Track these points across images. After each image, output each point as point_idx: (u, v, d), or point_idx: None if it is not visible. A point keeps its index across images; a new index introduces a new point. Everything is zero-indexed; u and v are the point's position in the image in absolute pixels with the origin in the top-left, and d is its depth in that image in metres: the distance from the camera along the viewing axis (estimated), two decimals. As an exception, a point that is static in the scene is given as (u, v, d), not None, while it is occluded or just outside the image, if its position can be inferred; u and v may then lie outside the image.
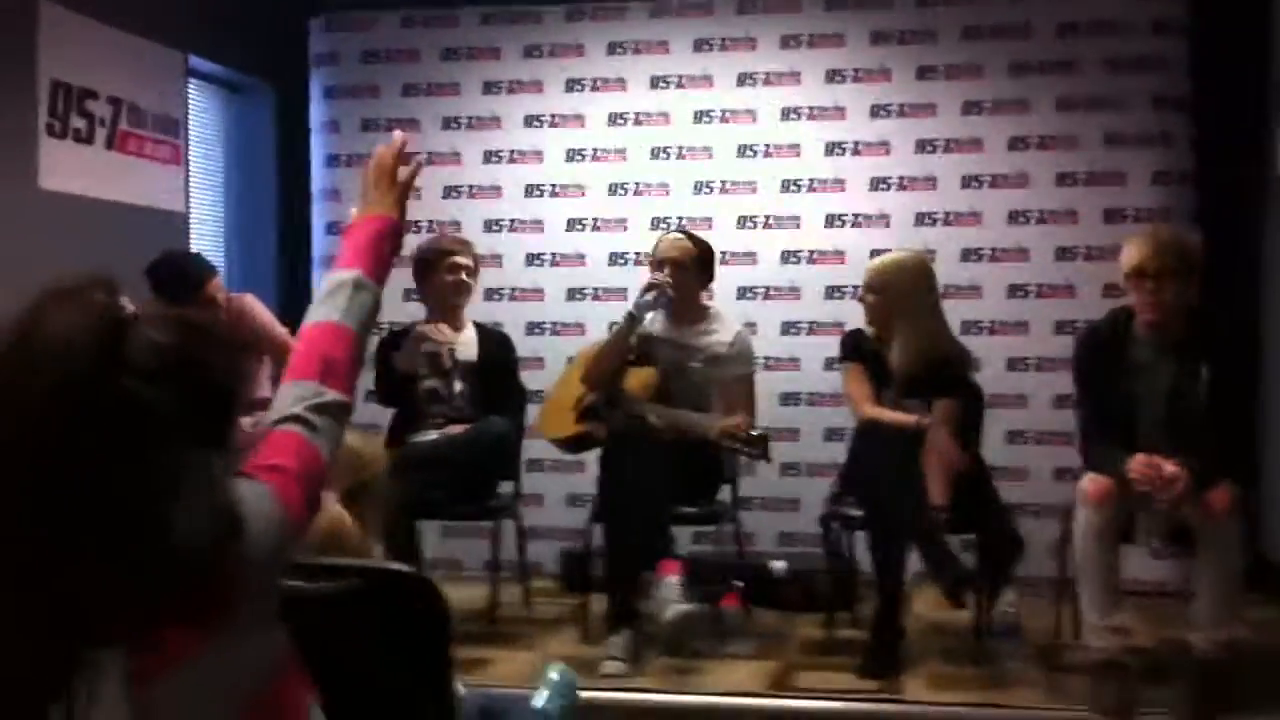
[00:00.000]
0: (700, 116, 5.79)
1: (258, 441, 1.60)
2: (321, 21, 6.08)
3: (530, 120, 5.90)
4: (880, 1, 5.67)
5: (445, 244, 4.87)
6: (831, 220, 5.65)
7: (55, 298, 1.38)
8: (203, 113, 5.91)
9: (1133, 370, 3.91)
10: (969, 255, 5.52)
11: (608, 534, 4.34)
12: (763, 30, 5.75)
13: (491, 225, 5.86)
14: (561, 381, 4.85)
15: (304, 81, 6.09)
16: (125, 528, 1.34)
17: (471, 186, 5.92)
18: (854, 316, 4.63)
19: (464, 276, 4.77)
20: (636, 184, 5.81)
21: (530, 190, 5.89)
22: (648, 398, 4.54)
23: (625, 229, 5.78)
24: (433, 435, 4.61)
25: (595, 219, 5.84)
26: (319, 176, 6.07)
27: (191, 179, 5.65)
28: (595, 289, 5.77)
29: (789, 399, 5.57)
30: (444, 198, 5.85)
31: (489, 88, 5.94)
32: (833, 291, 5.56)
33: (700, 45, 5.81)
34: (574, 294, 5.81)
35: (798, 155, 5.69)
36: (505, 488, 4.85)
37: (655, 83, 5.82)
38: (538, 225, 5.87)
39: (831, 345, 4.80)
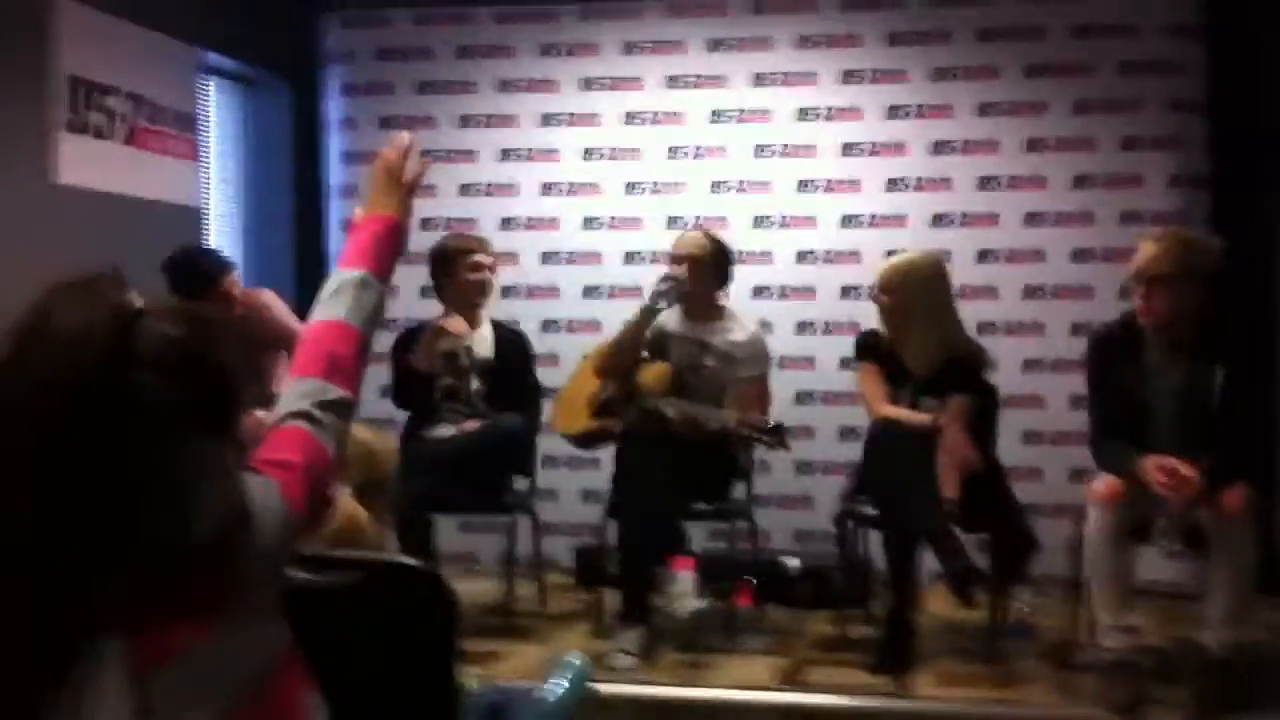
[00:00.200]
0: (716, 116, 5.80)
1: (263, 436, 1.62)
2: (337, 18, 6.10)
3: (546, 119, 5.92)
4: (896, 2, 5.66)
5: (465, 242, 4.88)
6: (847, 220, 5.65)
7: (64, 292, 1.40)
8: (219, 108, 5.93)
9: (1145, 371, 3.91)
10: (985, 256, 5.53)
11: (621, 529, 4.36)
12: (779, 30, 5.75)
13: (507, 223, 5.88)
14: (575, 378, 4.86)
15: (319, 78, 6.11)
16: (134, 518, 1.36)
17: (487, 184, 5.94)
18: (869, 316, 4.63)
19: (485, 275, 4.79)
20: (652, 183, 5.82)
21: (546, 188, 5.90)
22: (663, 393, 4.55)
23: (641, 227, 5.79)
24: (448, 431, 4.62)
25: (611, 217, 5.85)
26: (335, 173, 6.09)
27: (208, 174, 5.67)
28: (611, 287, 5.79)
29: (804, 398, 5.58)
30: (460, 195, 5.87)
31: (504, 86, 5.95)
32: (848, 291, 5.57)
33: (716, 45, 5.81)
34: (589, 292, 5.83)
35: (814, 155, 5.69)
36: (520, 484, 4.87)
37: (671, 82, 5.83)
38: (553, 223, 5.89)
39: (846, 345, 4.79)
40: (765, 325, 5.14)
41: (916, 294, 4.35)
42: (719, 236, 4.82)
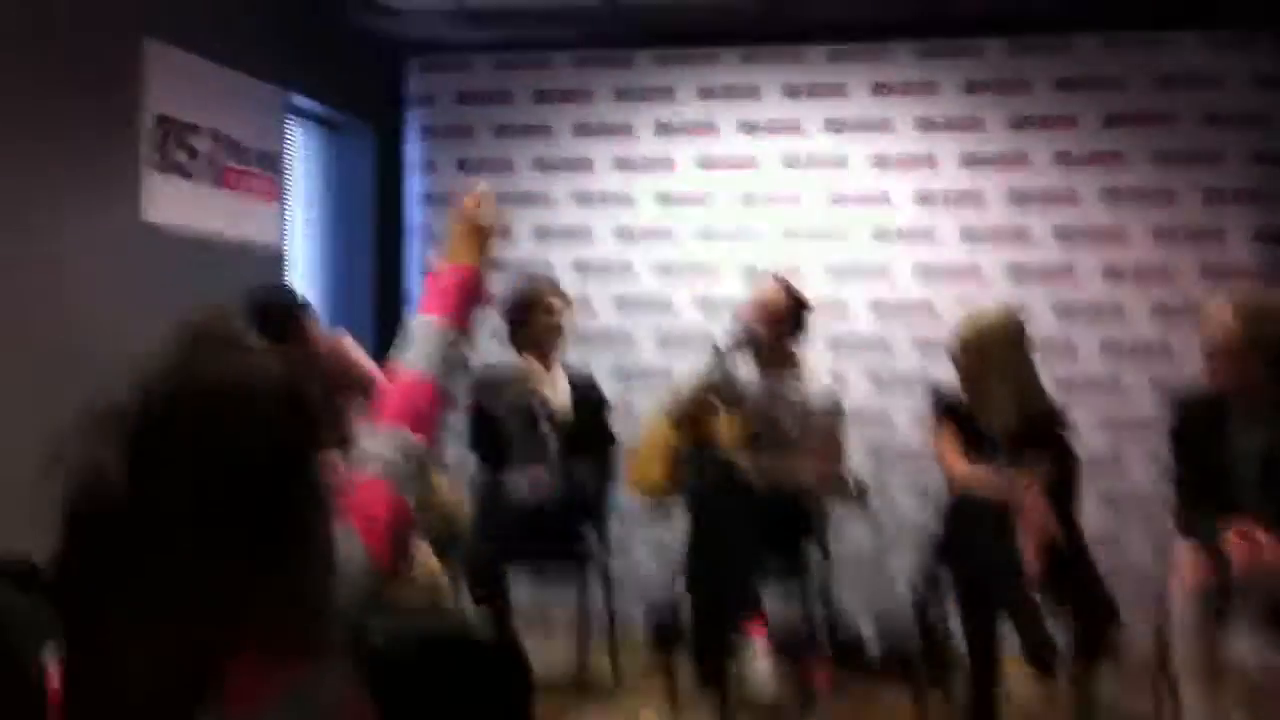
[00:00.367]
0: (791, 162, 5.80)
1: (347, 486, 1.64)
2: (419, 63, 6.18)
3: (621, 163, 5.95)
4: (973, 51, 5.65)
5: (540, 288, 4.91)
6: (922, 271, 5.62)
7: (209, 341, 1.43)
8: (303, 149, 6.02)
9: (1227, 435, 3.84)
10: (1062, 312, 5.47)
11: (694, 595, 4.32)
12: (854, 77, 5.76)
13: (581, 268, 5.91)
14: (649, 432, 4.85)
15: (401, 121, 6.20)
16: (279, 565, 1.38)
17: (562, 229, 5.97)
18: (944, 370, 4.59)
19: (558, 321, 4.80)
20: (727, 230, 5.83)
21: (620, 233, 5.93)
22: (735, 444, 4.53)
23: (715, 275, 5.80)
24: (521, 480, 4.64)
25: (684, 264, 5.86)
26: (414, 215, 6.17)
27: (289, 214, 5.75)
28: (683, 334, 5.80)
29: (877, 453, 5.54)
30: (535, 239, 5.91)
31: (580, 130, 6.01)
32: (922, 344, 5.53)
33: (791, 91, 5.82)
34: (663, 340, 5.83)
35: (888, 204, 5.68)
36: (592, 535, 4.86)
37: (745, 128, 5.85)
38: (627, 269, 5.91)
39: (921, 399, 4.75)
40: (838, 377, 5.12)
41: (994, 351, 4.28)
42: (794, 286, 4.82)
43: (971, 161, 5.63)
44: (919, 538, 4.72)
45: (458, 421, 4.73)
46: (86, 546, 1.38)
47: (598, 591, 4.81)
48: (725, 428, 4.60)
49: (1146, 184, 5.47)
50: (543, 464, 4.68)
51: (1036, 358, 4.46)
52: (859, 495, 4.05)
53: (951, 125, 5.66)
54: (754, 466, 4.44)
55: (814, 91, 5.81)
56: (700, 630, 4.27)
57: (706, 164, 5.87)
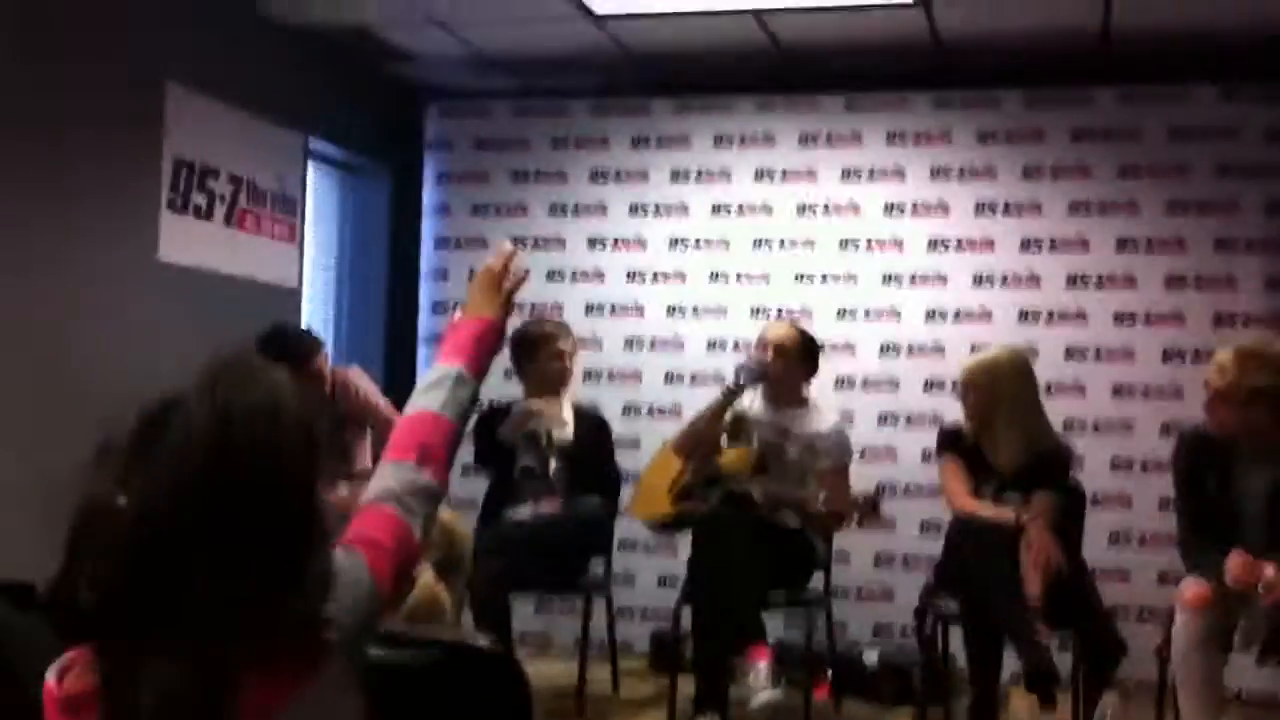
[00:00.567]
0: (803, 210, 5.83)
1: (355, 512, 1.67)
2: (437, 108, 6.27)
3: (635, 208, 6.00)
4: (989, 101, 5.68)
5: (546, 328, 4.93)
6: (932, 314, 5.64)
7: (234, 372, 1.48)
8: (319, 191, 6.10)
9: (1233, 474, 3.85)
10: (1073, 354, 5.47)
11: (697, 615, 4.31)
12: (868, 126, 5.80)
13: (592, 309, 5.95)
14: (655, 464, 4.86)
15: (418, 165, 6.28)
16: (294, 585, 1.43)
17: (574, 271, 6.02)
18: (952, 410, 4.60)
19: (565, 363, 4.84)
20: (737, 274, 5.86)
21: (632, 276, 5.97)
22: (747, 475, 4.54)
23: (725, 316, 5.83)
24: (526, 511, 4.65)
25: (695, 306, 5.90)
26: (428, 257, 6.23)
27: (305, 255, 5.82)
28: (692, 374, 5.82)
29: (885, 490, 5.51)
30: (547, 281, 5.95)
31: (595, 176, 6.06)
32: (931, 385, 5.54)
33: (805, 139, 5.87)
34: (671, 378, 5.86)
35: (900, 250, 5.70)
36: (597, 566, 4.87)
37: (759, 175, 5.89)
38: (638, 310, 5.95)
39: (929, 438, 4.76)
40: (847, 416, 5.13)
41: (1001, 390, 4.31)
42: (806, 328, 4.85)
43: (982, 210, 5.65)
44: (924, 568, 4.72)
45: (465, 453, 4.76)
46: (98, 568, 1.42)
47: (601, 620, 4.81)
48: (734, 459, 4.60)
49: (1159, 233, 5.46)
50: (548, 495, 4.69)
51: (1045, 398, 4.49)
52: (871, 509, 4.09)
53: (964, 174, 5.68)
54: (764, 495, 4.43)
55: (828, 140, 5.85)
56: (702, 652, 4.25)
57: (720, 210, 5.91)
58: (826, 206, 5.81)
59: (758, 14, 5.12)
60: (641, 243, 5.98)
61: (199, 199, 4.99)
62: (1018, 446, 4.28)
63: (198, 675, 1.38)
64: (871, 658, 4.90)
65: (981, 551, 4.02)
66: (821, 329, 5.25)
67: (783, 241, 5.84)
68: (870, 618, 5.47)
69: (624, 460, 5.10)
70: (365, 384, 5.00)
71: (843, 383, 5.63)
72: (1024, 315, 5.53)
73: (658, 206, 5.98)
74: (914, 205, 5.72)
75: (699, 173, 5.96)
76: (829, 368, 5.36)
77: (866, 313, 5.71)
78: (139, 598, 1.40)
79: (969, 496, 4.27)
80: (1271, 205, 5.36)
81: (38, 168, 4.16)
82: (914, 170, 5.73)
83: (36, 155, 4.15)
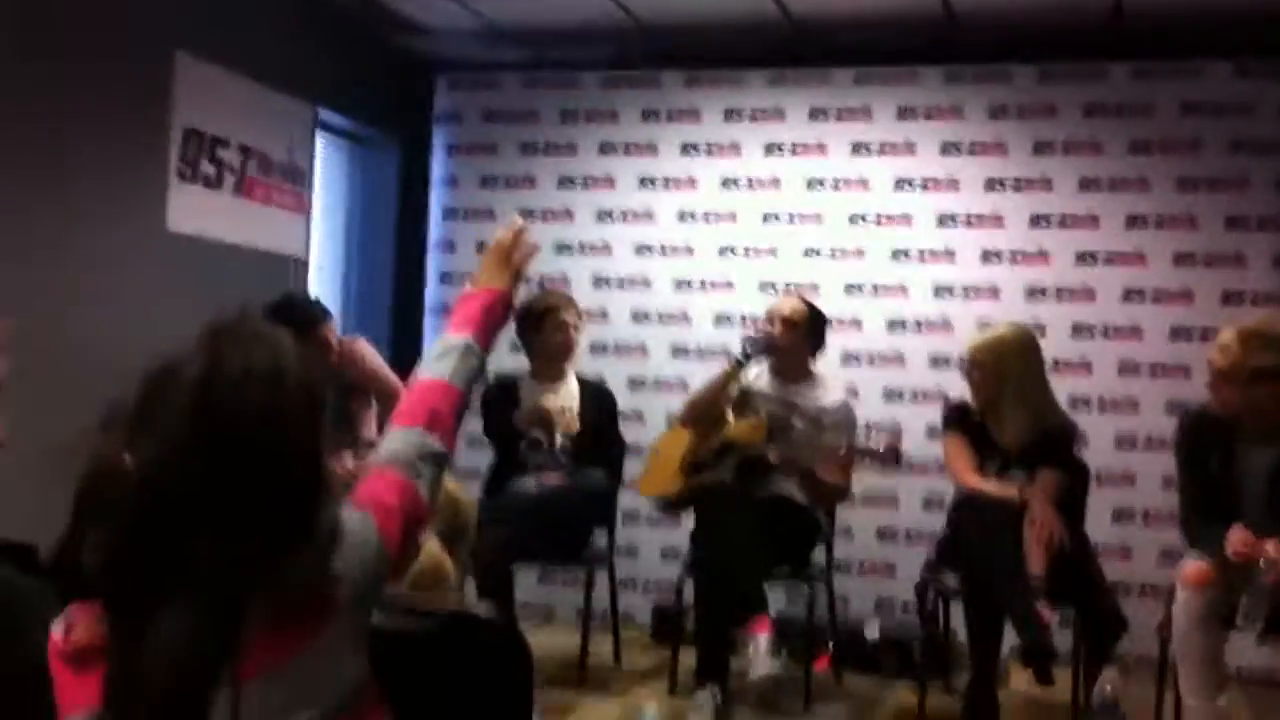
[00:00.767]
0: (812, 184, 5.82)
1: (364, 476, 1.70)
2: (447, 80, 6.26)
3: (644, 182, 5.99)
4: (999, 76, 5.65)
5: (551, 300, 4.94)
6: (940, 290, 5.62)
7: (239, 335, 1.52)
8: (328, 162, 6.10)
9: (1236, 452, 3.85)
10: (1080, 331, 5.46)
11: (699, 587, 4.35)
12: (879, 100, 5.77)
13: (600, 282, 5.96)
14: (663, 442, 4.88)
15: (427, 137, 6.27)
16: (302, 541, 1.48)
17: (582, 244, 6.02)
18: (958, 386, 4.59)
19: (569, 334, 4.85)
20: (745, 248, 5.85)
21: (640, 249, 5.97)
22: (761, 443, 4.55)
23: (732, 290, 5.83)
24: (531, 483, 4.67)
25: (702, 280, 5.89)
26: (436, 228, 6.23)
27: (314, 225, 5.83)
28: (700, 347, 5.82)
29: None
30: (555, 254, 5.95)
31: (605, 149, 6.05)
32: (938, 361, 5.53)
33: (815, 114, 5.84)
34: (677, 352, 5.87)
35: (909, 225, 5.68)
36: (600, 538, 4.89)
37: (769, 149, 5.87)
38: (645, 283, 5.95)
39: (934, 414, 4.76)
40: (853, 391, 5.12)
41: (1007, 367, 4.32)
42: (814, 303, 4.85)
43: (992, 185, 5.62)
44: (926, 543, 4.73)
45: (471, 425, 4.77)
46: (105, 529, 1.44)
47: (604, 592, 4.84)
48: (745, 429, 4.61)
49: (1169, 209, 5.44)
50: (552, 467, 4.70)
51: (1052, 375, 4.49)
52: (893, 457, 4.13)
53: (974, 149, 5.66)
54: (781, 456, 4.46)
55: (838, 115, 5.83)
56: (704, 624, 4.28)
57: (729, 184, 5.90)
58: (836, 181, 5.79)
59: (769, -14, 5.10)
60: (650, 216, 5.97)
61: (208, 169, 4.98)
62: (1023, 423, 4.28)
63: (203, 634, 1.41)
64: (873, 632, 4.93)
65: (984, 528, 4.03)
66: (829, 304, 5.23)
67: (792, 216, 5.82)
68: (872, 592, 5.49)
69: (629, 433, 5.11)
70: (371, 355, 5.01)
71: (849, 358, 5.63)
72: (1032, 292, 5.52)
73: (667, 180, 5.97)
74: (924, 180, 5.69)
75: (708, 146, 5.94)
76: (836, 342, 5.36)
77: (874, 288, 5.70)
78: (144, 556, 1.42)
79: (973, 472, 4.27)
80: (1282, 182, 5.34)
81: (45, 140, 4.16)
82: (924, 145, 5.71)
83: (45, 124, 4.15)
